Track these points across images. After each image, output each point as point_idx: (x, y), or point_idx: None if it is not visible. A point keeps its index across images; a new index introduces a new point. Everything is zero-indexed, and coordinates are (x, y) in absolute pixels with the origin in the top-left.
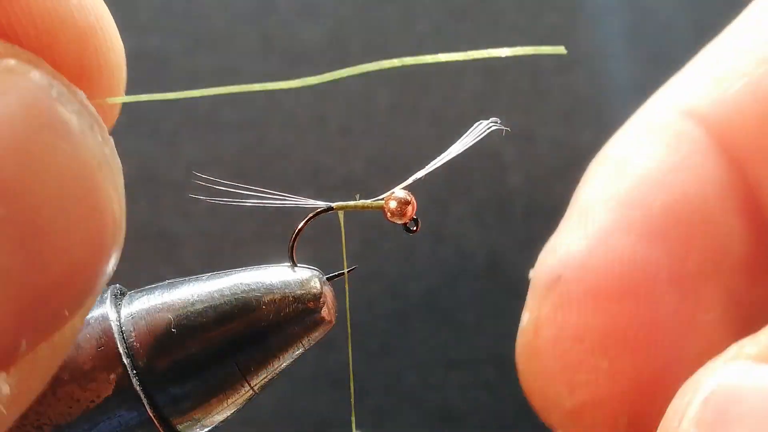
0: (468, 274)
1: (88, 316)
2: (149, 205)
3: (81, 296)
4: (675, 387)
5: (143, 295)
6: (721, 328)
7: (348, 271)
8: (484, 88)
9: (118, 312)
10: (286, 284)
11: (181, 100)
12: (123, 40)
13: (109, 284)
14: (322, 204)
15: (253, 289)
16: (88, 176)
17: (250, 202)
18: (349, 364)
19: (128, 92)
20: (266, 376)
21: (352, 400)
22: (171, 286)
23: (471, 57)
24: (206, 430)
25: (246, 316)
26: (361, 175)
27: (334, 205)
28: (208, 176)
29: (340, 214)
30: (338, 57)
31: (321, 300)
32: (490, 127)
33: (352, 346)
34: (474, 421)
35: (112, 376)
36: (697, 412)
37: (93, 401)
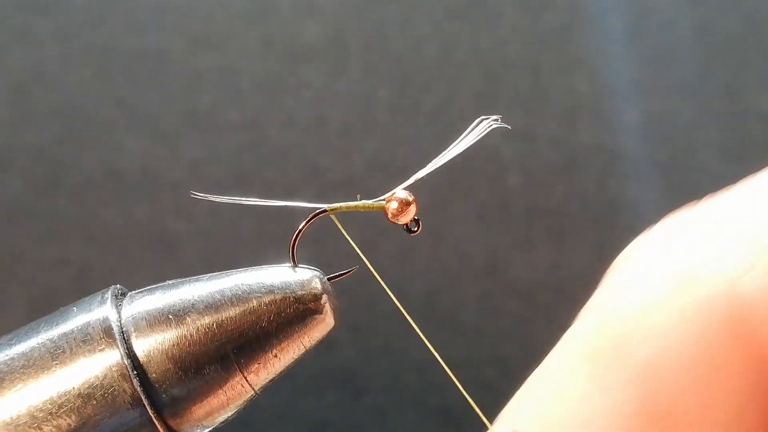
0: (468, 274)
1: (89, 317)
2: (149, 205)
3: None
4: None
5: (144, 296)
6: None
7: (349, 271)
8: (484, 88)
9: (119, 312)
10: (287, 285)
11: (180, 100)
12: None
13: (109, 284)
14: (320, 206)
15: (254, 290)
16: None
17: (250, 203)
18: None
19: (127, 91)
20: (267, 377)
21: None
22: (171, 286)
23: None
24: (207, 430)
25: (247, 316)
26: (361, 175)
27: (326, 207)
28: (209, 175)
29: (333, 216)
30: (338, 57)
31: (322, 300)
32: (491, 125)
33: (352, 346)
34: (474, 421)
35: (113, 376)
36: None
37: (94, 402)
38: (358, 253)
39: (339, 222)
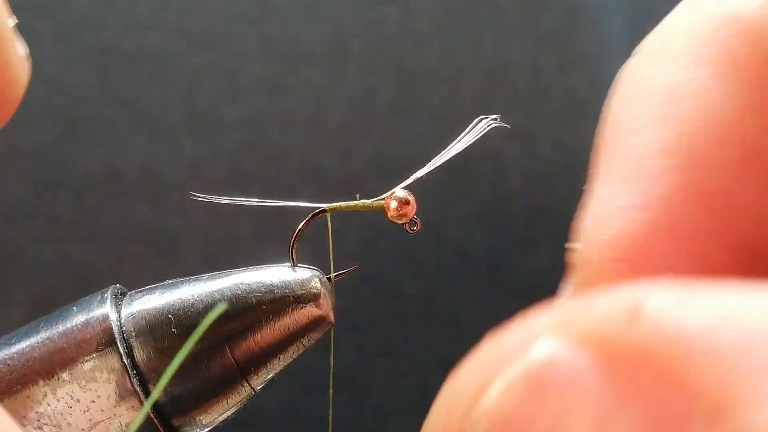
0: (468, 274)
1: (89, 316)
2: (149, 205)
3: None
4: None
5: (143, 295)
6: None
7: (349, 271)
8: (484, 88)
9: (119, 312)
10: (287, 284)
11: (180, 100)
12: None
13: (109, 284)
14: (320, 206)
15: (254, 289)
16: None
17: (248, 203)
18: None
19: (127, 91)
20: (266, 376)
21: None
22: (171, 286)
23: None
24: (206, 430)
25: (246, 315)
26: (361, 175)
27: (326, 206)
28: (209, 176)
29: (328, 216)
30: (338, 57)
31: (321, 300)
32: (490, 124)
33: (352, 346)
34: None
35: (112, 376)
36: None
37: (93, 401)
38: (331, 263)
39: (331, 225)
